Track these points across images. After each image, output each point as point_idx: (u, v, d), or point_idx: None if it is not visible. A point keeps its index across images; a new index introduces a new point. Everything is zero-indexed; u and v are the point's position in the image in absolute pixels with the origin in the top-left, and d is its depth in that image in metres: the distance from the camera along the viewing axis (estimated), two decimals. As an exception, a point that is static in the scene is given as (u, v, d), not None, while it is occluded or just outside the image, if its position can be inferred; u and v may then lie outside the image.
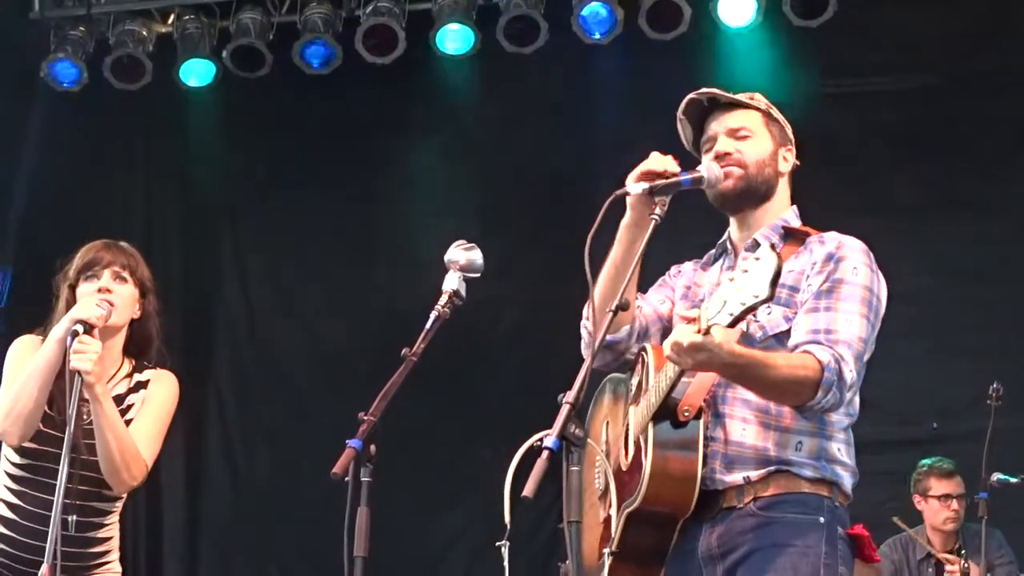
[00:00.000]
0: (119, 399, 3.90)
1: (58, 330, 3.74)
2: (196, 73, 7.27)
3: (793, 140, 3.37)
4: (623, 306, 2.97)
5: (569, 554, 2.72)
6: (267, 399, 7.62)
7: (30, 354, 3.85)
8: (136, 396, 3.97)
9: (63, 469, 3.46)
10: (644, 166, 3.17)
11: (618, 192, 3.13)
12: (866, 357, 3.14)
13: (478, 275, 3.33)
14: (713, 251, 3.43)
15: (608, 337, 3.20)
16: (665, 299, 3.42)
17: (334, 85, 7.22)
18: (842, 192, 6.57)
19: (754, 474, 3.10)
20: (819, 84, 6.86)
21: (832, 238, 3.22)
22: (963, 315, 6.71)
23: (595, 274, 3.13)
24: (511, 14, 6.90)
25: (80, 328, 3.67)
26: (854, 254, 3.17)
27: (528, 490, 2.62)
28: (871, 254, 3.20)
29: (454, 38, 7.04)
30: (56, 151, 7.47)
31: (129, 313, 3.94)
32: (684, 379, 3.03)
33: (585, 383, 2.79)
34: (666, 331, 3.30)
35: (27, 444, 3.83)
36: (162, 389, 4.01)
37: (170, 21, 7.40)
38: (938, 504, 6.36)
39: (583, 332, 3.29)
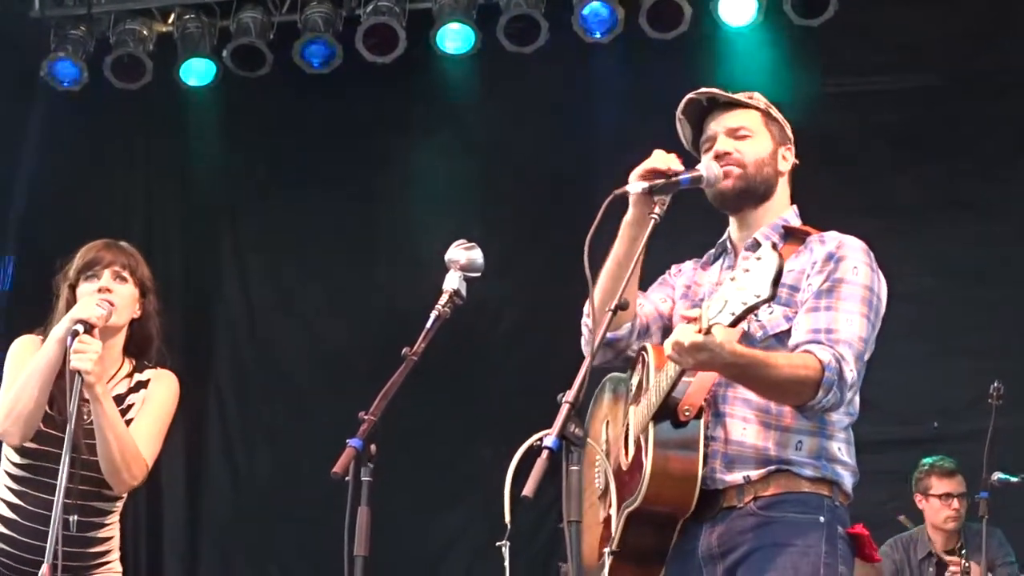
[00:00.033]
0: (119, 399, 3.90)
1: (58, 330, 3.74)
2: (196, 72, 7.27)
3: (792, 139, 3.37)
4: (622, 305, 2.97)
5: (569, 554, 2.72)
6: (267, 399, 7.63)
7: (30, 354, 3.85)
8: (136, 396, 3.97)
9: (63, 469, 3.46)
10: (647, 164, 3.17)
11: (617, 191, 3.12)
12: (867, 356, 3.14)
13: (478, 274, 3.33)
14: (713, 250, 3.42)
15: (609, 335, 3.20)
16: (666, 297, 3.41)
17: (334, 84, 7.22)
18: (843, 192, 6.57)
19: (754, 473, 3.09)
20: (820, 84, 6.86)
21: (832, 237, 3.22)
22: (964, 315, 6.72)
23: (595, 273, 3.12)
24: (511, 13, 6.89)
25: (80, 328, 3.67)
26: (854, 253, 3.17)
27: (528, 490, 2.62)
28: (871, 253, 3.20)
29: (454, 37, 7.04)
30: (56, 151, 7.46)
31: (129, 313, 3.94)
32: (685, 379, 3.03)
33: (585, 382, 2.79)
34: (667, 330, 3.30)
35: (28, 444, 3.83)
36: (162, 389, 4.01)
37: (170, 20, 7.39)
38: (939, 503, 6.36)
39: (584, 329, 3.29)
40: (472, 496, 6.94)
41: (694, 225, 3.42)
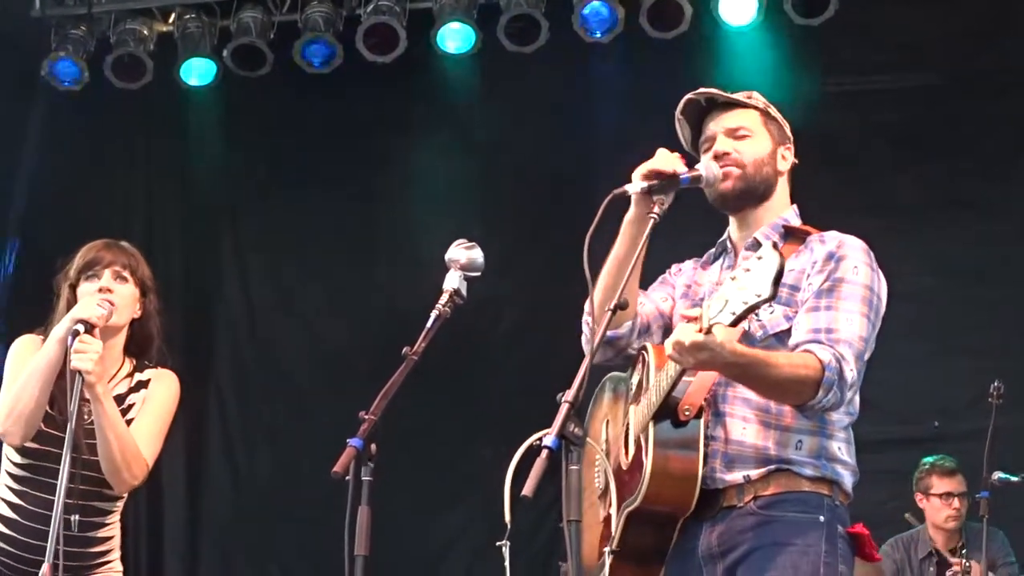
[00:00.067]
0: (120, 398, 3.90)
1: (59, 330, 3.74)
2: (197, 72, 7.26)
3: (791, 138, 3.37)
4: (622, 305, 2.97)
5: (569, 553, 2.72)
6: (268, 398, 7.63)
7: (31, 354, 3.85)
8: (137, 395, 3.97)
9: (64, 469, 3.46)
10: (650, 164, 3.16)
11: (616, 191, 3.12)
12: (867, 356, 3.14)
13: (479, 274, 3.33)
14: (713, 250, 3.42)
15: (609, 333, 3.20)
16: (667, 297, 3.41)
17: (335, 84, 7.22)
18: (843, 192, 6.57)
19: (754, 473, 3.10)
20: (820, 83, 6.86)
21: (832, 237, 3.22)
22: (964, 315, 6.72)
23: (595, 272, 3.12)
24: (512, 13, 6.89)
25: (81, 328, 3.67)
26: (855, 253, 3.17)
27: (528, 489, 2.62)
28: (871, 253, 3.20)
29: (455, 37, 7.04)
30: (57, 150, 7.46)
31: (130, 313, 3.94)
32: (685, 378, 3.03)
33: (584, 382, 2.79)
34: (667, 329, 3.30)
35: (28, 444, 3.83)
36: (163, 388, 4.01)
37: (171, 20, 7.39)
38: (940, 502, 6.37)
39: (584, 328, 3.29)
40: (472, 496, 6.94)
41: (694, 225, 3.42)
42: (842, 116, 6.89)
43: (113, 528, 3.98)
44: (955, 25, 6.86)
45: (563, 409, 2.73)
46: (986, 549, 5.88)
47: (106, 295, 3.84)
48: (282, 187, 7.63)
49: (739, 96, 3.33)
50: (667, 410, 3.05)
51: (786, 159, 3.34)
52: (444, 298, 3.28)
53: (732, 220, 3.36)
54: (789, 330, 3.13)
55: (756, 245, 3.18)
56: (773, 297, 2.71)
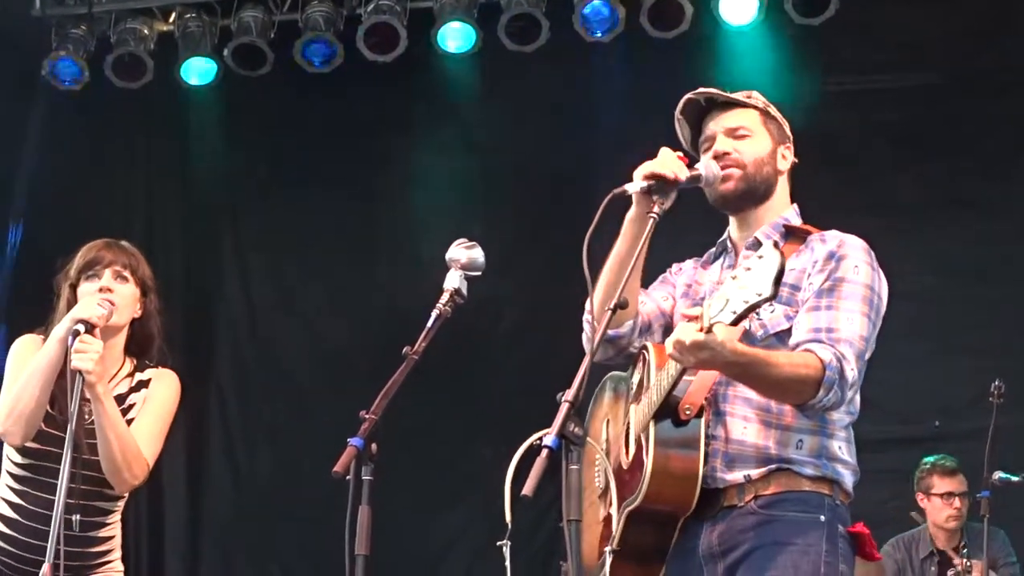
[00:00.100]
0: (120, 398, 3.90)
1: (59, 330, 3.74)
2: (197, 71, 7.26)
3: (791, 137, 3.37)
4: (622, 304, 2.97)
5: (569, 553, 2.72)
6: (268, 398, 7.63)
7: (31, 354, 3.85)
8: (137, 395, 3.97)
9: (65, 469, 3.46)
10: (651, 166, 3.15)
11: (616, 190, 3.12)
12: (867, 355, 3.14)
13: (479, 274, 3.33)
14: (713, 250, 3.42)
15: (610, 332, 3.21)
16: (668, 296, 3.41)
17: (335, 83, 7.22)
18: (844, 191, 6.57)
19: (755, 472, 3.10)
20: (821, 82, 6.86)
21: (833, 236, 3.22)
22: (965, 314, 6.72)
23: (594, 272, 3.12)
24: (512, 12, 6.89)
25: (81, 328, 3.67)
26: (855, 252, 3.17)
27: (528, 489, 2.62)
28: (872, 252, 3.20)
29: (455, 36, 7.04)
30: (57, 150, 7.46)
31: (130, 312, 3.94)
32: (686, 377, 3.03)
33: (585, 381, 2.78)
34: (668, 328, 3.30)
35: (29, 444, 3.83)
36: (163, 388, 4.01)
37: (171, 19, 7.39)
38: (941, 502, 6.37)
39: (585, 326, 3.28)
40: (472, 495, 6.94)
41: (694, 224, 3.42)
42: (842, 115, 6.89)
43: (114, 528, 3.98)
44: (955, 24, 6.86)
45: (563, 408, 2.72)
46: (987, 549, 5.88)
47: (106, 295, 3.84)
48: (282, 186, 7.63)
49: (739, 96, 3.33)
50: (668, 409, 3.05)
51: (786, 158, 3.34)
52: (445, 297, 3.28)
53: (732, 220, 3.36)
54: (790, 329, 3.13)
55: (757, 244, 3.18)
56: (774, 296, 2.71)
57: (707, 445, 3.08)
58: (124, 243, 4.03)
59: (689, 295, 3.37)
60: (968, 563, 6.02)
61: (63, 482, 3.45)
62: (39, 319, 3.99)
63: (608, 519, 3.18)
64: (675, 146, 3.28)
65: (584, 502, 3.22)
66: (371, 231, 7.54)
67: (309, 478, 6.64)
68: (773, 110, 3.35)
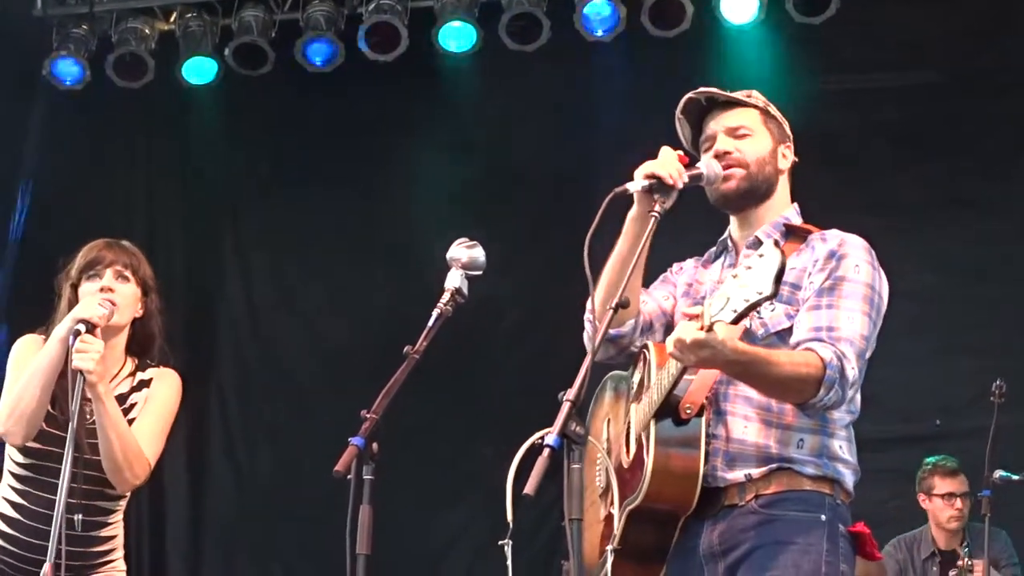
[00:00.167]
0: (122, 398, 3.91)
1: (60, 330, 3.74)
2: (198, 71, 7.27)
3: (791, 137, 3.37)
4: (624, 303, 2.97)
5: (570, 552, 2.72)
6: (269, 397, 7.63)
7: (32, 354, 3.85)
8: (139, 395, 3.97)
9: (66, 468, 3.46)
10: (652, 167, 3.15)
11: (617, 190, 3.12)
12: (868, 354, 3.14)
13: (480, 273, 3.33)
14: (713, 249, 3.42)
15: (612, 331, 3.21)
16: (669, 295, 3.42)
17: (336, 83, 7.23)
18: (844, 190, 6.57)
19: (756, 472, 3.10)
20: (821, 82, 6.86)
21: (834, 235, 3.22)
22: (965, 313, 6.72)
23: (595, 271, 3.12)
24: (513, 11, 6.90)
25: (82, 327, 3.67)
26: (856, 251, 3.17)
27: (529, 488, 2.62)
28: (873, 251, 3.20)
29: (456, 36, 7.04)
30: (58, 150, 7.47)
31: (131, 312, 3.94)
32: (686, 376, 3.03)
33: (586, 380, 2.79)
34: (670, 327, 3.30)
35: (31, 444, 3.83)
36: (165, 388, 4.01)
37: (172, 19, 7.39)
38: (942, 503, 6.37)
39: (586, 325, 3.28)
40: (474, 495, 6.95)
41: (695, 223, 3.42)
42: (843, 115, 6.89)
43: (116, 527, 3.99)
44: (956, 24, 6.86)
45: (565, 408, 2.73)
46: (989, 549, 5.88)
47: (107, 294, 3.84)
48: (283, 186, 7.64)
49: (739, 95, 3.33)
50: (668, 408, 3.05)
51: (786, 157, 3.34)
52: (445, 297, 3.28)
53: (733, 219, 3.36)
54: (790, 328, 3.13)
55: (758, 243, 3.18)
56: (775, 295, 2.71)
57: (708, 444, 3.08)
58: (125, 243, 4.03)
59: (690, 294, 3.37)
60: (970, 563, 6.02)
61: (64, 482, 3.46)
62: (40, 319, 3.99)
63: (609, 518, 3.18)
64: (676, 145, 3.28)
65: (586, 501, 3.22)
66: (372, 230, 7.53)
67: (310, 477, 6.63)
68: (773, 109, 3.35)
